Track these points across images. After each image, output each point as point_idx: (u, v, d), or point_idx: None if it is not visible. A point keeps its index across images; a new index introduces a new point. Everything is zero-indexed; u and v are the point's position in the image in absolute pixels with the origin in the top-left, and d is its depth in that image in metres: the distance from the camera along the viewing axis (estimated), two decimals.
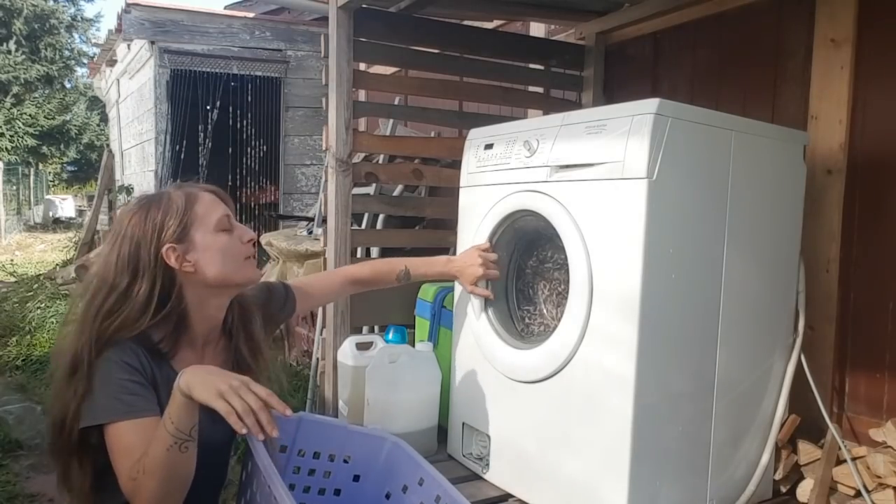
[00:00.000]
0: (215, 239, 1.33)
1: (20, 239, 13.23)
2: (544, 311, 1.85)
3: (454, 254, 2.01)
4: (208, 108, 6.37)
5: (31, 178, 17.89)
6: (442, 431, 2.08)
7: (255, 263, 1.39)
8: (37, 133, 18.37)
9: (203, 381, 1.10)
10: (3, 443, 3.06)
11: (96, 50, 10.87)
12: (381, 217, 3.36)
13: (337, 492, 1.57)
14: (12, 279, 7.74)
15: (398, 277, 1.73)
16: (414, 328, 2.48)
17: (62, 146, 19.53)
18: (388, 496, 1.55)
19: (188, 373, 1.12)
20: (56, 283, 6.75)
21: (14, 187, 16.09)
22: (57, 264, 8.19)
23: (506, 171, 1.79)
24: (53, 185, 21.91)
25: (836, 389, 2.07)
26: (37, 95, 19.06)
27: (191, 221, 1.31)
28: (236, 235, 1.36)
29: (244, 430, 1.07)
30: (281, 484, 1.16)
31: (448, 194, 2.65)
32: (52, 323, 5.23)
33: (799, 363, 1.86)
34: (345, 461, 1.57)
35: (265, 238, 4.46)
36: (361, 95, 4.05)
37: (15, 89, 17.99)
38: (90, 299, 1.28)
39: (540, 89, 2.99)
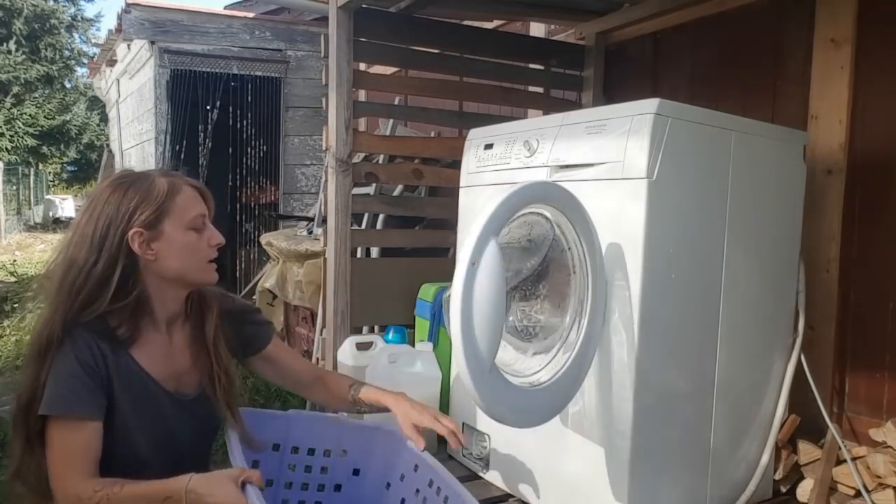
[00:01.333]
0: (184, 235, 1.33)
1: (20, 239, 13.23)
2: (539, 311, 1.85)
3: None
4: (208, 108, 6.37)
5: (31, 178, 17.87)
6: None
7: (216, 267, 1.40)
8: (37, 133, 18.37)
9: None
10: (3, 443, 3.06)
11: (96, 50, 10.88)
12: (381, 217, 3.36)
13: (337, 487, 1.58)
14: (12, 279, 7.74)
15: (350, 387, 1.59)
16: (414, 328, 2.48)
17: (62, 146, 19.53)
18: (388, 486, 1.55)
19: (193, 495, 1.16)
20: None
21: (14, 187, 16.07)
22: None
23: (506, 171, 1.79)
24: (53, 185, 21.89)
25: (836, 389, 2.07)
26: (37, 95, 19.06)
27: (166, 212, 1.31)
28: (205, 237, 1.37)
29: None
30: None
31: (448, 194, 2.65)
32: None
33: (799, 363, 1.86)
34: (342, 455, 1.57)
35: (265, 238, 4.46)
36: (361, 95, 4.05)
37: (15, 89, 17.99)
38: (63, 275, 1.28)
39: (540, 89, 2.99)
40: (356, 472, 1.59)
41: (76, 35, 20.65)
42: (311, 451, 1.57)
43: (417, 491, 1.48)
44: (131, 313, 1.31)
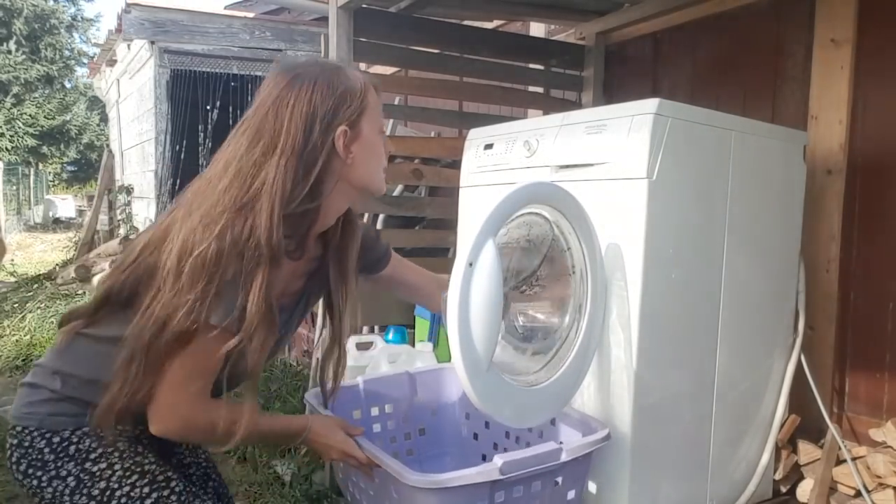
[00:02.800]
0: (377, 139, 1.21)
1: (20, 239, 13.21)
2: (538, 311, 1.85)
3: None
4: (208, 108, 6.37)
5: (31, 178, 17.89)
6: None
7: None
8: (37, 133, 18.39)
9: (322, 454, 1.33)
10: (3, 443, 3.06)
11: (96, 50, 10.88)
12: (381, 217, 3.36)
13: (422, 431, 1.70)
14: (12, 279, 7.74)
15: None
16: (414, 328, 2.48)
17: (62, 146, 19.56)
18: (467, 416, 1.68)
19: (313, 443, 1.29)
20: (56, 283, 6.75)
21: (14, 187, 16.08)
22: (57, 264, 8.17)
23: (506, 171, 1.79)
24: (53, 185, 21.90)
25: (836, 389, 2.06)
26: (37, 95, 19.08)
27: (364, 109, 1.17)
28: (384, 142, 1.25)
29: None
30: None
31: (448, 194, 2.65)
32: (52, 323, 5.23)
33: (799, 363, 1.86)
34: (416, 402, 1.69)
35: None
36: None
37: (15, 89, 18.02)
38: (258, 164, 1.09)
39: (540, 89, 2.99)
40: (434, 413, 1.70)
41: (76, 35, 20.71)
42: (389, 407, 1.67)
43: None
44: (306, 226, 1.16)
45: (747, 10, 2.35)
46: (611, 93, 2.87)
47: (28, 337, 4.96)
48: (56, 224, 16.25)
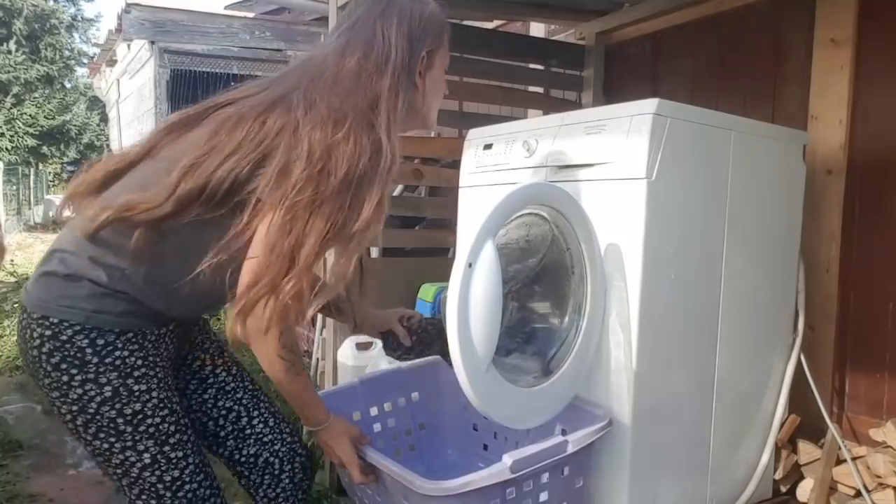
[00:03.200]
0: (443, 77, 1.25)
1: (20, 239, 13.20)
2: (538, 312, 1.85)
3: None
4: None
5: (31, 178, 17.87)
6: None
7: None
8: (37, 133, 18.39)
9: (325, 451, 1.36)
10: (3, 443, 3.06)
11: (96, 50, 10.88)
12: None
13: (422, 426, 1.71)
14: (12, 279, 7.73)
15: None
16: None
17: (62, 146, 19.56)
18: (466, 408, 1.64)
19: (321, 440, 1.32)
20: None
21: (14, 187, 16.04)
22: None
23: (506, 171, 1.79)
24: (53, 185, 21.88)
25: (836, 389, 2.06)
26: (37, 95, 19.08)
27: (441, 44, 1.22)
28: (445, 85, 1.29)
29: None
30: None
31: (448, 194, 2.65)
32: None
33: (799, 363, 1.86)
34: (414, 398, 1.70)
35: None
36: None
37: (15, 89, 18.02)
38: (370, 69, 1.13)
39: (540, 89, 2.99)
40: (433, 407, 1.71)
41: (76, 35, 20.72)
42: (388, 406, 1.68)
43: None
44: None
45: (747, 10, 2.34)
46: (611, 93, 2.87)
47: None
48: (56, 224, 16.24)
